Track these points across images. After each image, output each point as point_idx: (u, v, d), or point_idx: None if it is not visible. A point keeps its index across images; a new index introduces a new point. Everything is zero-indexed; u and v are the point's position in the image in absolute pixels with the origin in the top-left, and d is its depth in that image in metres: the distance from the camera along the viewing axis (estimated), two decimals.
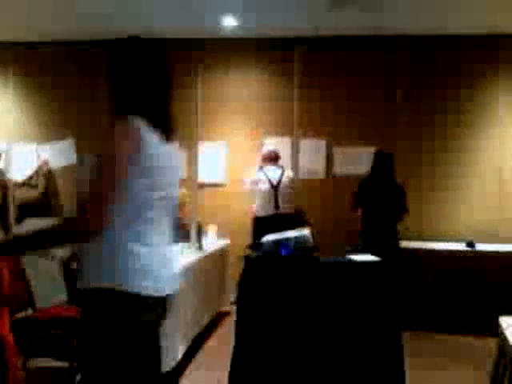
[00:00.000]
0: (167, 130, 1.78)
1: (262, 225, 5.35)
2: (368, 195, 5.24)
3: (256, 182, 5.55)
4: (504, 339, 2.48)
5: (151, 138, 1.68)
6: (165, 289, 1.73)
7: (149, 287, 1.66)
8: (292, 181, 5.59)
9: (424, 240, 5.96)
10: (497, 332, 2.68)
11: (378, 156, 5.28)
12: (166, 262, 1.75)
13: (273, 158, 5.63)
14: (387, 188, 5.20)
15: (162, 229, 1.77)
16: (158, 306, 1.74)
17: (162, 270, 1.72)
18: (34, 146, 6.66)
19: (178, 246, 4.64)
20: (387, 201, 5.19)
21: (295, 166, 6.38)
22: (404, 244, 5.52)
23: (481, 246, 5.47)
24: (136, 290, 1.63)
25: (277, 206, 5.43)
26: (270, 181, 5.47)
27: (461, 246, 5.51)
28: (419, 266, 5.31)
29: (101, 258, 1.63)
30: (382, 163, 5.22)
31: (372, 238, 5.09)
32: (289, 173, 5.60)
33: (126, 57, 1.79)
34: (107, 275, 1.62)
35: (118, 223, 1.63)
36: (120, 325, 1.62)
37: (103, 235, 1.60)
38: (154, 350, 1.82)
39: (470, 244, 5.40)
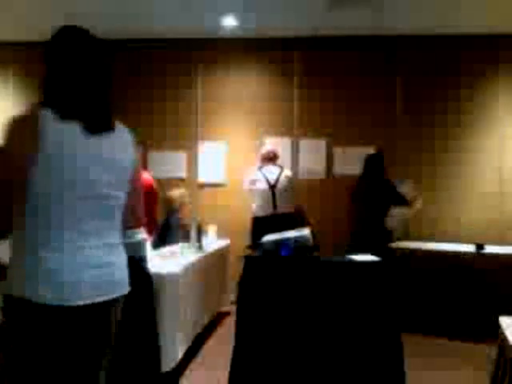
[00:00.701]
0: (95, 122, 1.64)
1: (260, 224, 5.35)
2: (357, 196, 5.37)
3: (254, 182, 5.54)
4: (504, 339, 2.48)
5: (61, 132, 1.55)
6: (71, 298, 1.54)
7: (47, 295, 1.51)
8: (290, 180, 5.59)
9: (424, 240, 5.96)
10: (497, 332, 2.68)
11: (368, 158, 5.39)
12: (82, 269, 1.57)
13: (271, 158, 5.62)
14: (375, 188, 5.27)
15: (86, 231, 1.60)
16: (61, 316, 1.54)
17: (71, 276, 1.55)
18: None
19: (178, 247, 4.64)
20: (374, 201, 5.25)
21: (295, 166, 6.38)
22: (405, 244, 5.52)
23: (489, 249, 5.32)
24: (28, 296, 1.51)
25: (275, 206, 5.42)
26: (267, 180, 5.47)
27: (466, 248, 5.37)
28: (407, 267, 5.30)
29: (11, 262, 1.56)
30: (372, 164, 5.32)
31: (359, 239, 5.18)
32: (287, 172, 5.60)
33: (52, 44, 1.75)
34: (11, 280, 1.55)
35: (21, 225, 1.55)
36: (19, 333, 1.53)
37: (12, 237, 1.55)
38: (65, 363, 1.58)
39: (480, 246, 5.24)
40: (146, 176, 4.58)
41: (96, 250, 1.62)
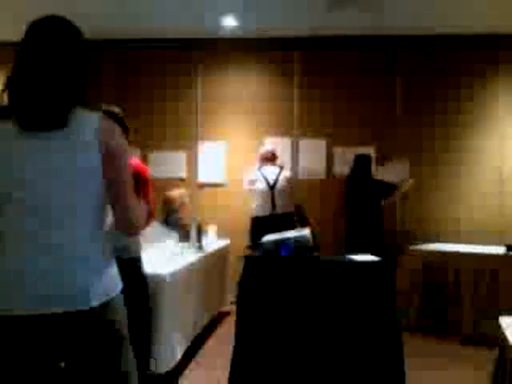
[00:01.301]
0: (26, 116, 1.50)
1: (259, 224, 5.36)
2: (348, 197, 5.62)
3: (253, 182, 5.55)
4: (504, 339, 2.48)
5: None
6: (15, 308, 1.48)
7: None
8: (289, 180, 5.59)
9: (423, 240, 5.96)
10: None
11: (356, 159, 5.64)
12: (16, 279, 1.48)
13: (270, 158, 5.62)
14: (364, 188, 5.49)
15: (19, 237, 1.51)
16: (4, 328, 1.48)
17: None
18: None
19: (179, 247, 4.64)
20: (365, 201, 5.46)
21: (295, 166, 6.38)
22: (425, 247, 5.47)
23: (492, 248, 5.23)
24: None
25: (274, 206, 5.43)
26: (266, 180, 5.47)
27: (495, 249, 5.17)
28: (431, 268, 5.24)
29: None
30: (359, 165, 5.58)
31: (355, 239, 5.38)
32: (286, 173, 5.60)
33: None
34: None
35: None
36: None
37: None
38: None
39: (510, 248, 5.00)
40: (136, 162, 4.41)
41: (38, 257, 1.49)
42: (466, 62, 6.24)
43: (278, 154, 5.80)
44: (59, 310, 1.47)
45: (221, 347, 4.29)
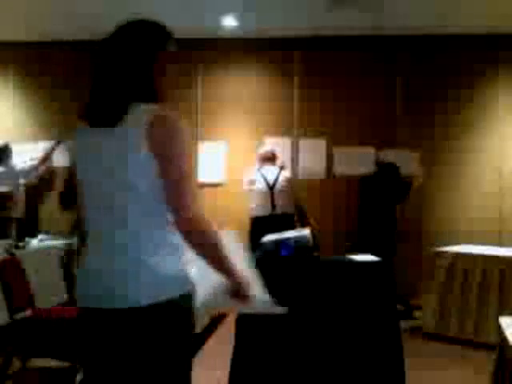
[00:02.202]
0: (90, 114, 1.60)
1: (258, 225, 5.36)
2: (368, 195, 5.68)
3: (252, 182, 5.55)
4: (504, 339, 2.48)
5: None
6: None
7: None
8: (289, 181, 5.59)
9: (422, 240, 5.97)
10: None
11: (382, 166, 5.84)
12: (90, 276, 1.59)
13: (269, 158, 5.62)
14: (383, 191, 5.60)
15: (96, 237, 1.62)
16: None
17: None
18: (33, 146, 6.66)
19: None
20: (387, 202, 5.56)
21: (295, 166, 6.38)
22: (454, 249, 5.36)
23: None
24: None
25: (273, 206, 5.43)
26: (266, 181, 5.47)
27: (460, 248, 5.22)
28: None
29: None
30: (385, 171, 5.74)
31: (366, 239, 5.47)
32: (285, 173, 5.60)
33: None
34: None
35: None
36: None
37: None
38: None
39: None
40: None
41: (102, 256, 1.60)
42: (466, 62, 6.23)
43: (278, 154, 5.80)
44: (119, 305, 1.52)
45: (221, 347, 4.28)
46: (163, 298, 1.51)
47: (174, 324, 1.56)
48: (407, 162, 6.05)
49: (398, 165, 5.74)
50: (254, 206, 5.52)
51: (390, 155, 6.07)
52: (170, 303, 1.53)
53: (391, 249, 5.35)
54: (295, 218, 5.58)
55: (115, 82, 1.58)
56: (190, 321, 1.62)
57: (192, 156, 1.61)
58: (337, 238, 5.86)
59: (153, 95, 1.60)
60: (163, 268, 1.53)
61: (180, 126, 1.55)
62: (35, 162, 6.24)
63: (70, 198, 5.61)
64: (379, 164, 5.89)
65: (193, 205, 1.53)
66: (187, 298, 1.59)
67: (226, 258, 1.62)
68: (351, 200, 6.16)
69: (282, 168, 5.63)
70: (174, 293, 1.54)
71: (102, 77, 1.60)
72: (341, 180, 6.27)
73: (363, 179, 5.85)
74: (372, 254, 3.61)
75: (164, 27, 1.73)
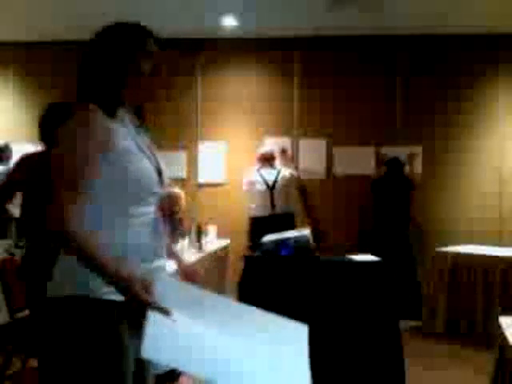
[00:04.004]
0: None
1: (258, 225, 5.36)
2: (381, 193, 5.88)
3: (252, 183, 5.55)
4: (504, 339, 2.47)
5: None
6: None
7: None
8: (290, 179, 5.58)
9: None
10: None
11: (389, 162, 5.93)
12: None
13: (269, 159, 5.62)
14: (395, 189, 5.79)
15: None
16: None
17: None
18: (33, 146, 6.66)
19: (178, 247, 4.64)
20: (398, 199, 5.77)
21: (295, 166, 6.37)
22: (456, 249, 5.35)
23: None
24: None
25: (273, 206, 5.43)
26: (265, 181, 5.47)
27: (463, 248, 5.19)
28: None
29: None
30: (392, 167, 5.86)
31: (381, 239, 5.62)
32: (285, 173, 5.59)
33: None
34: None
35: None
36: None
37: None
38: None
39: None
40: None
41: None
42: (466, 62, 6.24)
43: (278, 154, 5.80)
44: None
45: None
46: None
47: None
48: (407, 161, 6.07)
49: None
50: (254, 206, 5.52)
51: (390, 155, 6.08)
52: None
53: (407, 249, 5.62)
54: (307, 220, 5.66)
55: (80, 83, 1.72)
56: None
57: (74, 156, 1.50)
58: (337, 238, 5.86)
59: (111, 95, 1.63)
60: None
61: (72, 127, 1.58)
62: None
63: None
64: (388, 163, 5.91)
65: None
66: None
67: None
68: (351, 200, 6.17)
69: (281, 168, 5.62)
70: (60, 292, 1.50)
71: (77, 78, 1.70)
72: (341, 180, 6.27)
73: (375, 182, 5.94)
74: (388, 255, 3.65)
75: (143, 27, 1.71)
